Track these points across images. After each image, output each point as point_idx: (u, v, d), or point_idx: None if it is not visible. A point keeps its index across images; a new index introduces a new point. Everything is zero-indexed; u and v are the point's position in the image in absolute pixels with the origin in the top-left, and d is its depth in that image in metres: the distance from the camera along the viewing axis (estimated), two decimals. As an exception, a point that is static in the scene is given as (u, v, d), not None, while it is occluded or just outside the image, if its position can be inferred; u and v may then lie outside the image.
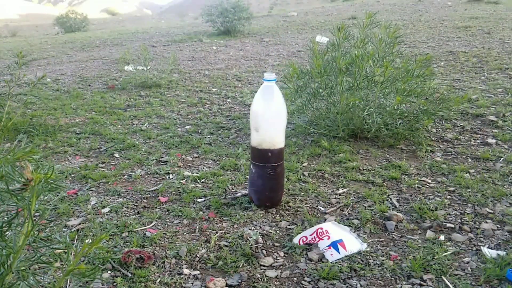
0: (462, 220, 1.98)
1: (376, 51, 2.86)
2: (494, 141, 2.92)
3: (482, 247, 1.75)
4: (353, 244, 1.77)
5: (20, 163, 0.84)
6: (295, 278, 1.60)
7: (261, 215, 2.05)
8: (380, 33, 2.88)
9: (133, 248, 1.74)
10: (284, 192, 2.22)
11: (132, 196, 2.28)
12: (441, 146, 2.89)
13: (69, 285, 1.58)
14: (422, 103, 2.94)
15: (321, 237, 1.79)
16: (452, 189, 2.29)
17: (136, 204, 2.20)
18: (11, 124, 3.22)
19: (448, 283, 1.54)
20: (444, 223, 1.95)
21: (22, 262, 0.91)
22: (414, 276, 1.59)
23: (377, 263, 1.67)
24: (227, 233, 1.89)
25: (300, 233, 1.86)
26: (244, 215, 2.04)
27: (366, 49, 2.89)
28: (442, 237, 1.84)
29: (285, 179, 2.39)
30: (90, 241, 0.83)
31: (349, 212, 2.08)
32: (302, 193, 2.27)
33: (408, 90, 2.84)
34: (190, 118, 3.72)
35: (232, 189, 2.34)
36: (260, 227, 1.93)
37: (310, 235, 1.82)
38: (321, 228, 1.82)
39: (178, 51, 7.64)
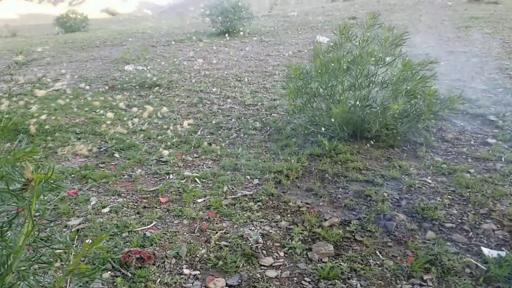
0: (462, 220, 1.98)
1: (378, 51, 2.85)
2: (494, 141, 2.92)
3: (482, 247, 1.75)
4: None
5: (20, 163, 0.84)
6: (295, 278, 1.60)
7: (261, 215, 2.05)
8: (383, 33, 2.87)
9: (133, 248, 1.74)
10: (284, 192, 2.22)
11: (132, 196, 2.28)
12: (441, 146, 2.89)
13: (69, 285, 1.58)
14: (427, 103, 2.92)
15: None
16: (452, 189, 2.29)
17: (136, 204, 2.20)
18: (11, 124, 3.21)
19: (449, 283, 1.54)
20: (444, 223, 1.95)
21: (22, 262, 0.90)
22: (414, 276, 1.59)
23: (377, 263, 1.67)
24: (227, 233, 1.89)
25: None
26: (244, 215, 2.04)
27: (369, 49, 2.88)
28: (442, 237, 1.84)
29: (286, 179, 2.40)
30: (90, 241, 0.82)
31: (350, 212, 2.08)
32: (303, 193, 2.27)
33: (411, 91, 2.83)
34: (190, 118, 3.71)
35: (232, 189, 2.34)
36: (260, 227, 1.93)
37: None
38: None
39: (178, 51, 7.63)
